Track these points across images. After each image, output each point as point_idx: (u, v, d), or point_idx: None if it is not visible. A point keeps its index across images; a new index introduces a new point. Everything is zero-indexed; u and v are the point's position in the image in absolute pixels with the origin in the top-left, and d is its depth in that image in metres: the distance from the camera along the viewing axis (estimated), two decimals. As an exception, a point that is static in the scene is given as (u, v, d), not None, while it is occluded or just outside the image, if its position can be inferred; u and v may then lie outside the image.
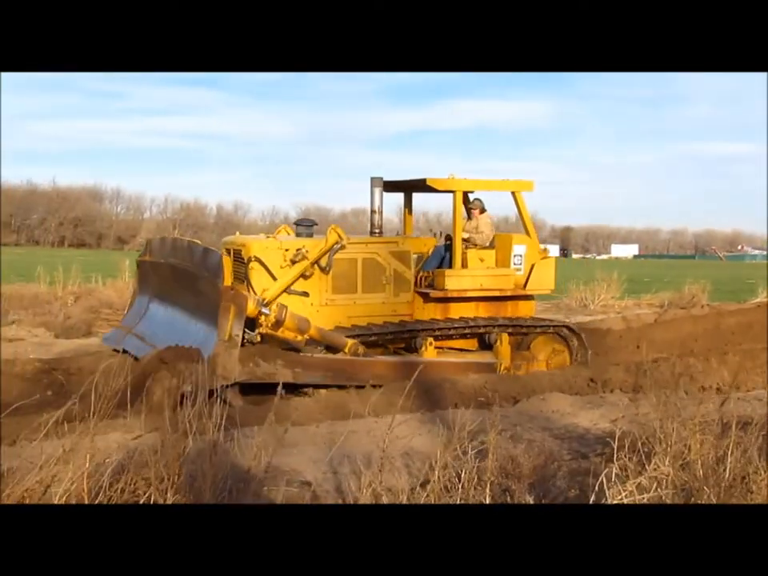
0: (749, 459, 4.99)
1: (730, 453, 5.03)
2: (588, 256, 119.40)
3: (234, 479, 4.90)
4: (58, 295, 19.10)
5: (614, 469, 4.65)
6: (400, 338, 11.40)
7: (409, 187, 13.12)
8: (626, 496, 4.27)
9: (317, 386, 10.21)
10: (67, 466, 4.35)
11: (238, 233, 12.39)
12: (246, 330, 9.82)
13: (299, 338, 10.31)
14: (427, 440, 7.32)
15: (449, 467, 5.00)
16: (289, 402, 9.39)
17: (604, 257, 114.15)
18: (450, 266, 11.89)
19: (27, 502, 4.25)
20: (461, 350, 11.99)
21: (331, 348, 10.58)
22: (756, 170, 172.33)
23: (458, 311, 11.94)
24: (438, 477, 4.85)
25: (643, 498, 4.30)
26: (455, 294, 11.77)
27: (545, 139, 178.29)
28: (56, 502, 4.17)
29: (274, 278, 10.65)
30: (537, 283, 12.41)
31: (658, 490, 4.44)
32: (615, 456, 4.85)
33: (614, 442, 4.95)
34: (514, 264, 12.28)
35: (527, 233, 12.55)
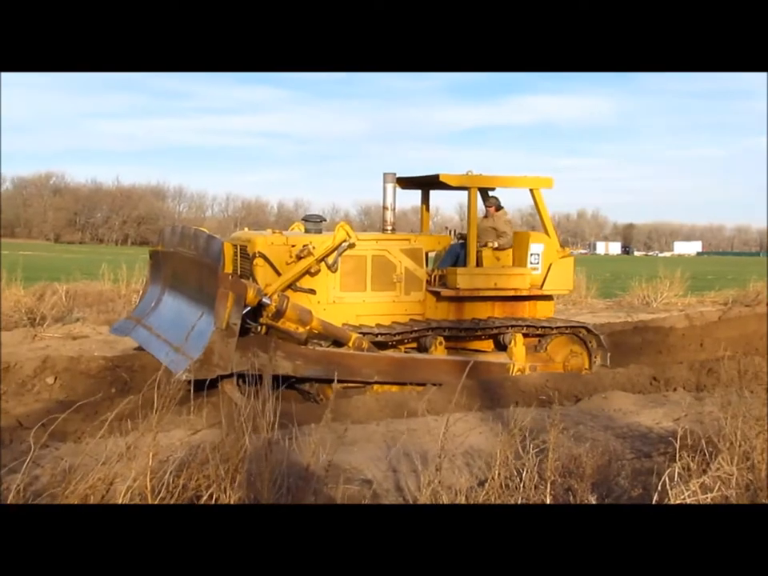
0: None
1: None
2: (651, 253, 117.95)
3: (294, 477, 4.93)
4: (122, 293, 19.36)
5: (676, 468, 4.59)
6: (411, 338, 11.12)
7: (422, 183, 12.78)
8: (689, 496, 4.21)
9: (319, 380, 10.03)
10: (130, 464, 4.41)
11: (246, 228, 12.22)
12: (249, 320, 9.69)
13: (301, 329, 10.04)
14: (488, 438, 7.31)
15: (510, 465, 4.98)
16: (349, 400, 9.44)
17: (667, 254, 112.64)
18: (465, 265, 11.62)
19: (91, 499, 4.31)
20: (476, 350, 11.67)
21: (336, 342, 10.38)
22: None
23: (472, 311, 11.63)
24: (497, 475, 4.83)
25: (707, 498, 4.23)
26: (467, 294, 11.42)
27: (608, 135, 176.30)
28: (119, 500, 4.23)
29: (279, 274, 10.40)
30: (554, 283, 12.01)
31: (722, 489, 4.37)
32: (678, 455, 4.78)
33: (677, 442, 4.87)
34: (531, 263, 11.91)
35: (546, 231, 12.19)
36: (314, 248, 10.49)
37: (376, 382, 10.17)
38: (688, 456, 4.85)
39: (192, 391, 6.04)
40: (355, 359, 10.25)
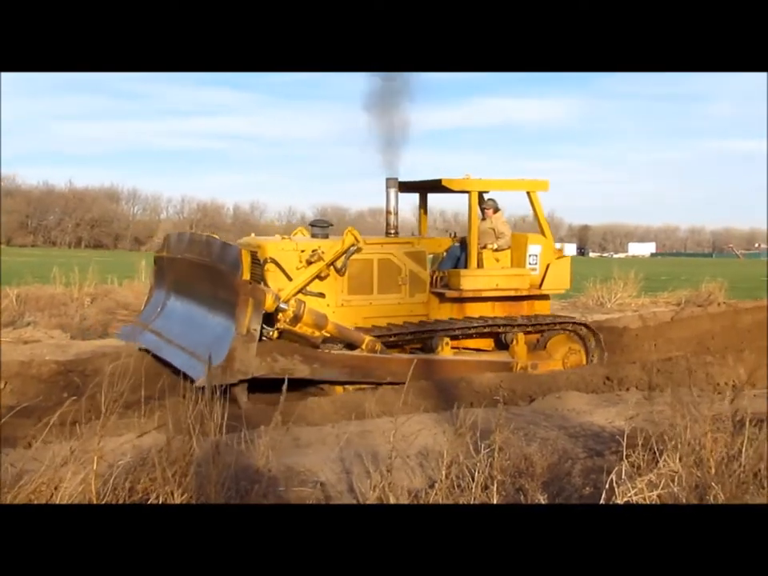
0: (760, 455, 4.96)
1: (744, 450, 5.01)
2: (605, 255, 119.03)
3: (244, 480, 4.90)
4: (75, 296, 19.10)
5: (623, 466, 4.63)
6: (418, 338, 11.42)
7: (424, 187, 13.10)
8: (635, 493, 4.25)
9: (333, 383, 10.27)
10: (75, 468, 4.35)
11: (252, 234, 12.34)
12: (263, 325, 9.79)
13: (317, 333, 10.30)
14: (442, 439, 7.32)
15: (461, 466, 4.99)
16: (304, 402, 9.41)
17: (621, 255, 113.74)
18: (466, 266, 11.92)
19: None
20: (477, 349, 12.01)
21: (349, 345, 10.62)
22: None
23: (473, 311, 11.96)
24: (446, 476, 4.84)
25: (653, 495, 4.27)
26: (471, 294, 11.78)
27: (567, 138, 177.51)
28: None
29: (290, 279, 10.61)
30: (552, 283, 12.42)
31: (669, 487, 4.42)
32: (625, 454, 4.83)
33: (624, 440, 4.93)
34: (530, 264, 12.29)
35: (542, 232, 12.55)
36: (323, 253, 10.75)
37: (389, 383, 10.30)
38: (635, 454, 4.90)
39: (143, 394, 6.01)
40: (369, 361, 10.52)
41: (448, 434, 5.83)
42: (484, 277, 11.93)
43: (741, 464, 4.89)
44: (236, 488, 4.66)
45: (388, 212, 12.11)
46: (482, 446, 5.16)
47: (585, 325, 12.64)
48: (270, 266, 10.55)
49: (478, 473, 4.94)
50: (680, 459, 4.80)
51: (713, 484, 4.48)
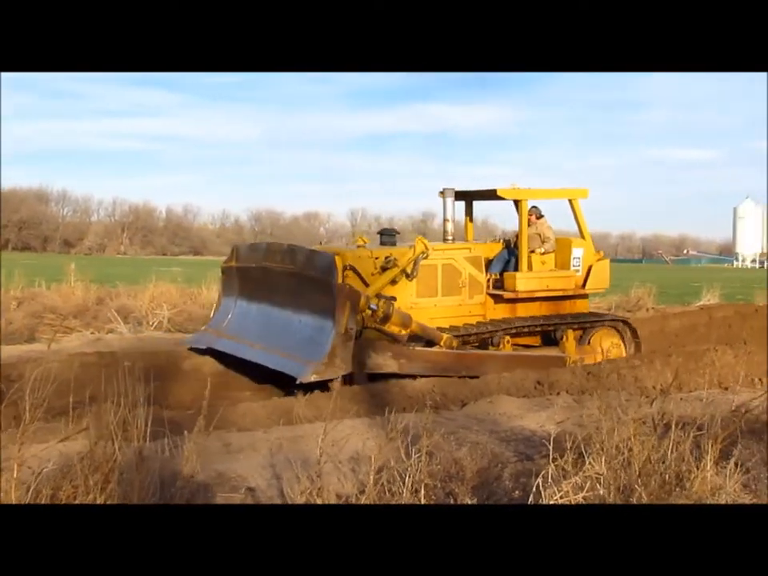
0: (682, 457, 5.06)
1: (670, 452, 5.10)
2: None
3: (172, 487, 4.83)
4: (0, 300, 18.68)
5: (550, 470, 4.68)
6: (480, 337, 12.41)
7: (478, 196, 14.16)
8: (561, 496, 4.30)
9: (416, 377, 10.83)
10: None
11: (321, 243, 13.63)
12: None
13: (403, 332, 11.29)
14: (375, 444, 7.30)
15: (392, 470, 4.99)
16: (235, 408, 9.34)
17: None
18: (515, 269, 12.93)
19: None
20: (526, 345, 13.06)
21: (428, 342, 11.61)
22: (703, 175, 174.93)
23: (524, 311, 13.03)
24: (377, 481, 4.83)
25: (578, 498, 4.33)
26: (525, 295, 12.83)
27: (506, 144, 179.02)
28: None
29: (366, 285, 11.33)
30: (594, 283, 13.64)
31: (594, 489, 4.48)
32: (551, 457, 4.89)
33: (550, 444, 5.00)
34: (573, 266, 13.49)
35: (582, 236, 13.77)
36: (396, 259, 11.65)
37: (464, 376, 11.14)
38: (561, 458, 4.96)
39: (72, 400, 5.89)
40: (448, 357, 11.52)
41: (379, 438, 5.83)
42: (536, 278, 12.99)
43: (666, 466, 4.98)
44: (161, 495, 4.59)
45: (445, 219, 13.14)
46: (413, 450, 5.17)
47: (624, 321, 13.89)
48: (348, 273, 11.28)
49: (409, 477, 4.95)
50: (605, 462, 4.88)
51: (636, 486, 4.56)
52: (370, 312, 10.84)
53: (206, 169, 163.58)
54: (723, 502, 4.84)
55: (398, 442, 5.34)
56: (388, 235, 12.57)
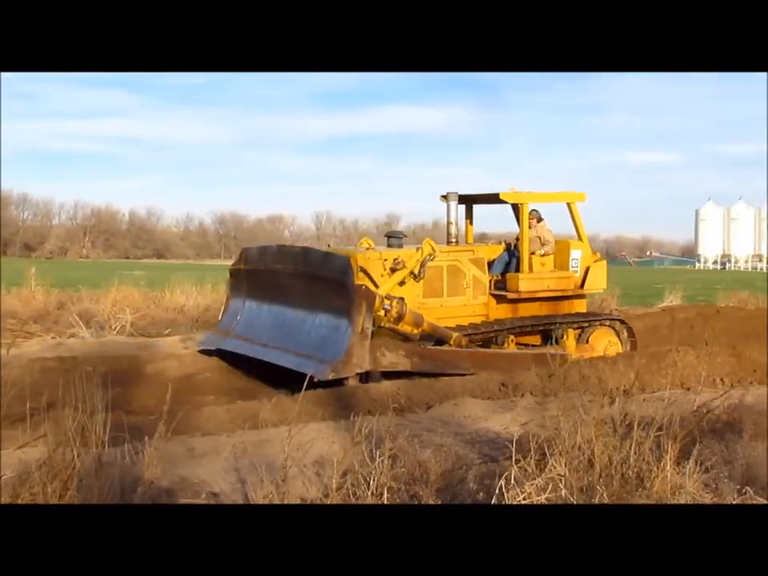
0: (642, 457, 5.09)
1: (632, 452, 5.14)
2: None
3: (133, 493, 4.78)
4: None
5: (513, 471, 4.70)
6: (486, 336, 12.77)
7: (480, 200, 14.63)
8: (524, 498, 4.31)
9: (428, 375, 11.14)
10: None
11: (329, 245, 14.07)
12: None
13: (415, 331, 11.70)
14: (340, 447, 7.28)
15: (356, 474, 4.98)
16: (199, 412, 9.28)
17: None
18: (516, 270, 13.35)
19: None
20: (526, 344, 13.34)
21: (438, 341, 11.95)
22: (665, 177, 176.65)
23: (525, 310, 13.41)
24: (341, 484, 4.82)
25: (541, 499, 4.34)
26: (527, 295, 13.25)
27: (469, 146, 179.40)
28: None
29: (376, 286, 11.57)
30: (592, 283, 14.06)
31: (556, 490, 4.49)
32: (514, 459, 4.91)
33: (513, 446, 5.01)
34: (572, 267, 13.87)
35: (580, 238, 14.11)
36: (404, 261, 12.05)
37: (472, 373, 11.36)
38: (524, 459, 4.97)
39: (28, 406, 5.82)
40: (457, 355, 11.81)
41: (344, 442, 5.82)
42: (537, 279, 13.42)
43: (628, 466, 5.01)
44: (120, 501, 4.53)
45: (449, 222, 13.50)
46: (377, 453, 5.16)
47: (621, 320, 14.27)
48: (360, 274, 11.47)
49: (373, 480, 4.94)
50: (567, 463, 4.90)
51: (597, 486, 4.58)
52: (383, 312, 11.20)
53: (169, 171, 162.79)
54: (684, 501, 4.88)
55: (362, 446, 5.32)
56: (395, 238, 12.97)
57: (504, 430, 8.21)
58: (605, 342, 13.63)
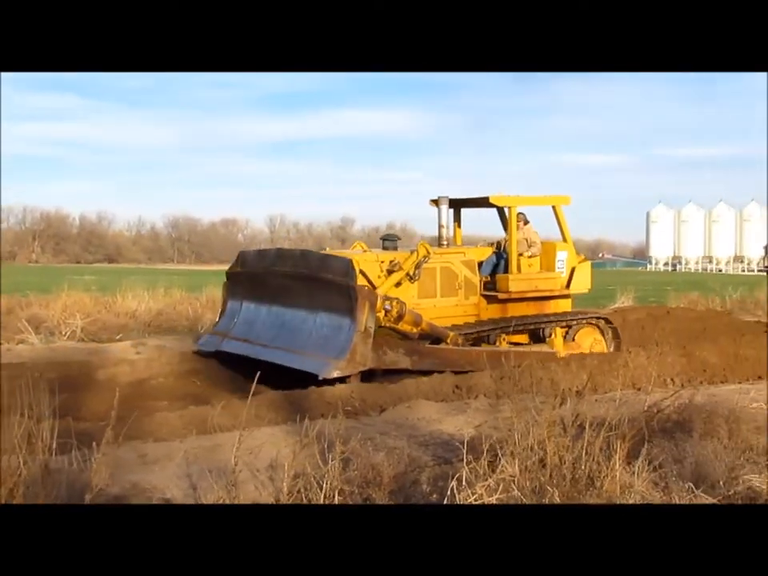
0: (593, 457, 5.13)
1: (584, 452, 5.18)
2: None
3: (82, 500, 4.71)
4: None
5: (464, 473, 4.71)
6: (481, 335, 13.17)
7: (470, 204, 15.11)
8: (475, 499, 4.33)
9: (426, 372, 11.43)
10: None
11: (327, 248, 14.23)
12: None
13: (414, 330, 12.06)
14: (293, 451, 7.24)
15: (308, 477, 4.95)
16: (152, 417, 9.19)
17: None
18: (504, 271, 13.74)
19: None
20: (515, 343, 13.66)
21: (435, 340, 12.27)
22: (616, 180, 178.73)
23: (513, 310, 13.77)
24: (293, 488, 4.80)
25: (492, 500, 4.36)
26: (517, 295, 13.64)
27: (417, 149, 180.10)
28: None
29: (374, 287, 11.91)
30: (577, 284, 14.48)
31: (508, 491, 4.51)
32: (466, 460, 4.92)
33: (464, 447, 5.03)
34: (558, 268, 14.30)
35: (565, 240, 14.54)
36: (400, 263, 12.43)
37: (468, 371, 11.61)
38: (476, 461, 4.99)
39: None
40: (454, 353, 12.17)
41: (296, 445, 5.80)
42: (526, 280, 13.83)
43: (578, 466, 5.04)
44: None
45: (440, 226, 13.88)
46: (330, 457, 5.15)
47: (606, 319, 14.66)
48: (358, 276, 11.61)
49: (326, 483, 4.92)
50: (519, 463, 4.92)
51: (548, 487, 4.61)
52: (383, 312, 11.55)
53: (120, 175, 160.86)
54: (633, 500, 4.93)
55: (314, 449, 5.30)
56: (390, 240, 13.46)
57: (458, 432, 8.23)
58: (590, 340, 14.12)
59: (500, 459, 5.09)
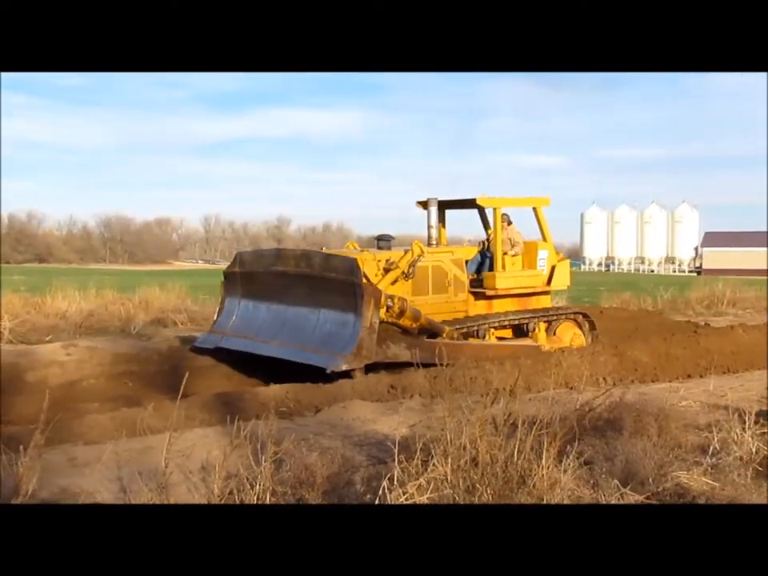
0: (524, 455, 5.18)
1: (516, 451, 5.22)
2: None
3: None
4: None
5: (395, 472, 4.71)
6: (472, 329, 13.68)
7: (456, 206, 15.64)
8: (406, 498, 4.33)
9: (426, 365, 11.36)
10: None
11: (324, 248, 14.45)
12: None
13: (414, 325, 12.53)
14: (226, 453, 7.17)
15: (241, 478, 4.92)
16: (81, 420, 9.04)
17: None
18: (490, 269, 14.35)
19: None
20: (501, 338, 14.24)
21: (432, 334, 12.76)
22: (550, 181, 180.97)
23: (499, 306, 14.48)
24: (224, 489, 4.76)
25: (423, 499, 4.37)
26: (503, 292, 14.31)
27: (357, 150, 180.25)
28: None
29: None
30: (558, 281, 15.24)
31: (440, 490, 4.53)
32: (397, 460, 4.93)
33: (396, 447, 5.04)
34: (539, 266, 14.94)
35: (545, 240, 15.16)
36: (397, 262, 12.98)
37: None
38: (412, 460, 5.00)
39: None
40: (452, 347, 11.99)
41: (229, 447, 5.75)
42: (511, 277, 14.46)
43: (509, 464, 5.08)
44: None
45: (430, 226, 14.43)
46: (263, 458, 5.11)
47: (584, 314, 15.36)
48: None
49: (259, 484, 4.88)
50: (452, 463, 4.94)
51: (477, 485, 4.63)
52: (386, 308, 11.95)
53: (51, 174, 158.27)
54: (562, 496, 4.98)
55: (247, 450, 5.26)
56: (384, 240, 14.00)
57: (392, 432, 8.23)
58: (570, 334, 14.84)
59: (432, 458, 5.10)
